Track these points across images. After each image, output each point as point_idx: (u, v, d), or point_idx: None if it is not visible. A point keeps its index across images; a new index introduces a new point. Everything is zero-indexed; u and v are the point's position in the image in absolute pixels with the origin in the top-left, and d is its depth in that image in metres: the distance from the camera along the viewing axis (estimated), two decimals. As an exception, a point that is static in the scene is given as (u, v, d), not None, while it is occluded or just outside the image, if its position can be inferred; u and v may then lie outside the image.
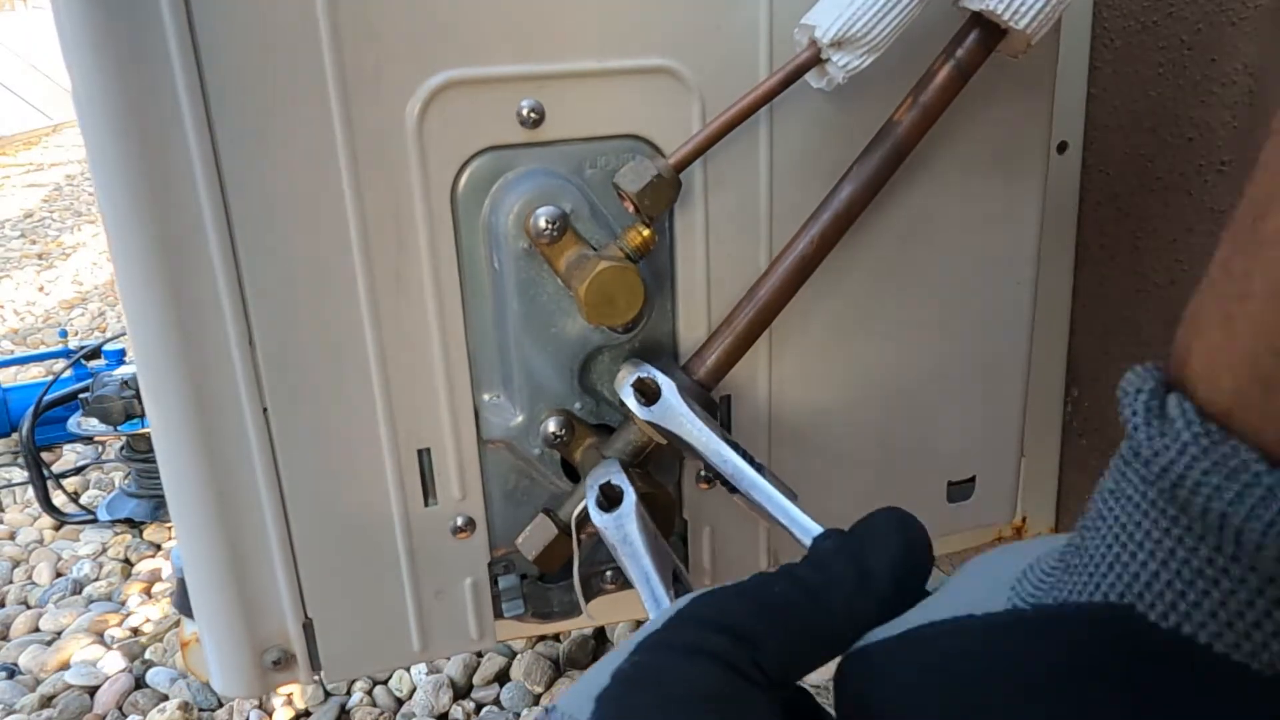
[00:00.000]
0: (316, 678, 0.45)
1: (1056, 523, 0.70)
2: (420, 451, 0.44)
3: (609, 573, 0.49)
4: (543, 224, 0.40)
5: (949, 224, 0.49)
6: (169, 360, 0.39)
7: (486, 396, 0.44)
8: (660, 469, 0.47)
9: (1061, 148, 0.67)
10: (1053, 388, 0.71)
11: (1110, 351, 0.67)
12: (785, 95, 0.41)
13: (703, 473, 0.48)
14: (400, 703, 0.91)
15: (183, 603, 0.44)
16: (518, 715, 0.87)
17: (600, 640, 0.94)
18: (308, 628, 0.45)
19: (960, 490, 0.54)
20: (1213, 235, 0.59)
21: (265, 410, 0.41)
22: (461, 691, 0.92)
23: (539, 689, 0.90)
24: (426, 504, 0.45)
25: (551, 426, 0.43)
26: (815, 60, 0.40)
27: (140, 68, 0.36)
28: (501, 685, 0.91)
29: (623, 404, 0.42)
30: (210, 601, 0.42)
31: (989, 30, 0.39)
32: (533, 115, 0.41)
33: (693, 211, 0.44)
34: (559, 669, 0.92)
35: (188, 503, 0.41)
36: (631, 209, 0.40)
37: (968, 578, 0.26)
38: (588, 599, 0.49)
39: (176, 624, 1.05)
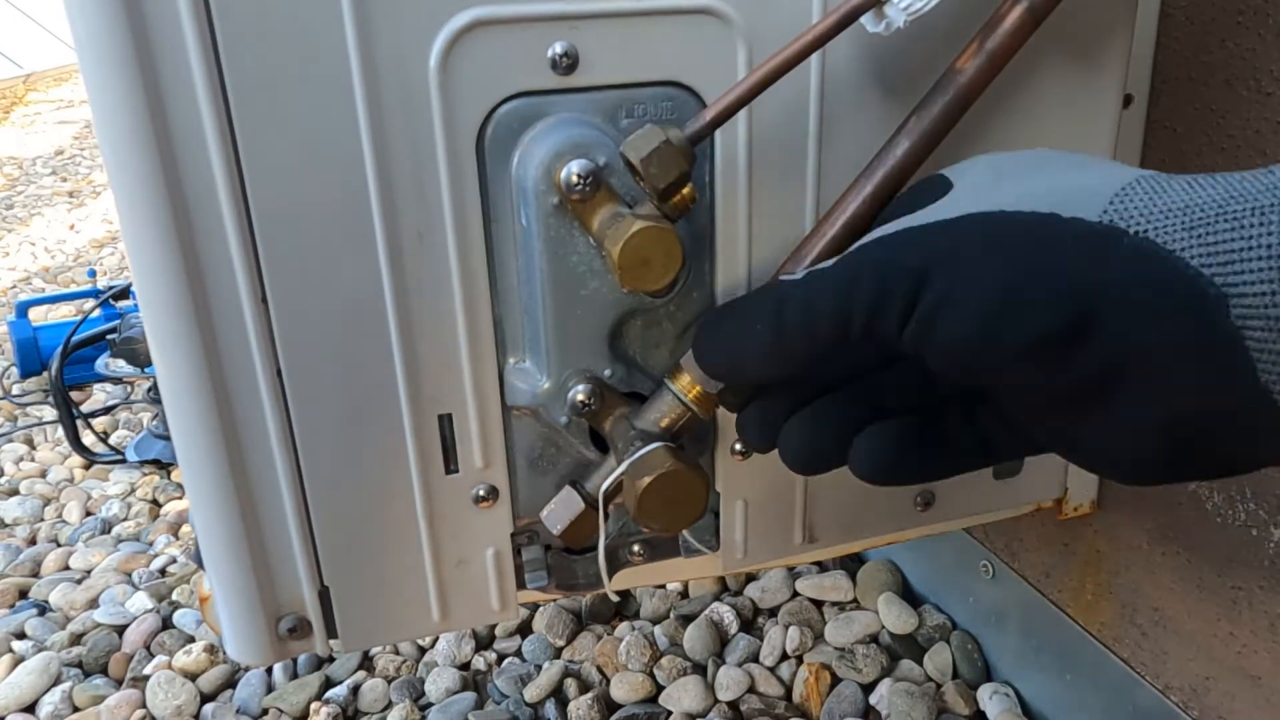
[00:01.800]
0: (332, 646, 0.44)
1: (1099, 496, 0.68)
2: (441, 417, 0.42)
3: (636, 545, 0.47)
4: (574, 178, 0.37)
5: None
6: (178, 320, 0.37)
7: (512, 361, 0.42)
8: (694, 440, 0.45)
9: (1126, 101, 0.63)
10: (1103, 355, 0.68)
11: (1167, 319, 0.64)
12: (838, 36, 0.38)
13: (736, 446, 0.46)
14: (423, 651, 0.91)
15: (200, 556, 0.43)
16: (539, 667, 0.87)
17: (625, 596, 0.93)
18: (324, 595, 0.43)
19: (1008, 466, 0.52)
20: (1288, 199, 0.55)
21: (279, 373, 0.39)
22: (484, 643, 0.92)
23: (560, 642, 0.90)
24: (448, 471, 0.43)
25: (580, 394, 0.41)
26: (873, 1, 0.37)
27: (146, 15, 0.33)
28: (524, 637, 0.91)
29: None
30: (224, 568, 0.41)
31: None
32: (565, 59, 0.38)
33: (735, 167, 0.41)
34: (581, 623, 0.92)
35: (199, 468, 0.39)
36: (638, 180, 0.36)
37: (1018, 174, 0.28)
38: (612, 572, 0.47)
39: (198, 570, 1.05)
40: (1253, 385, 0.21)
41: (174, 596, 1.01)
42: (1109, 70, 0.45)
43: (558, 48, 0.38)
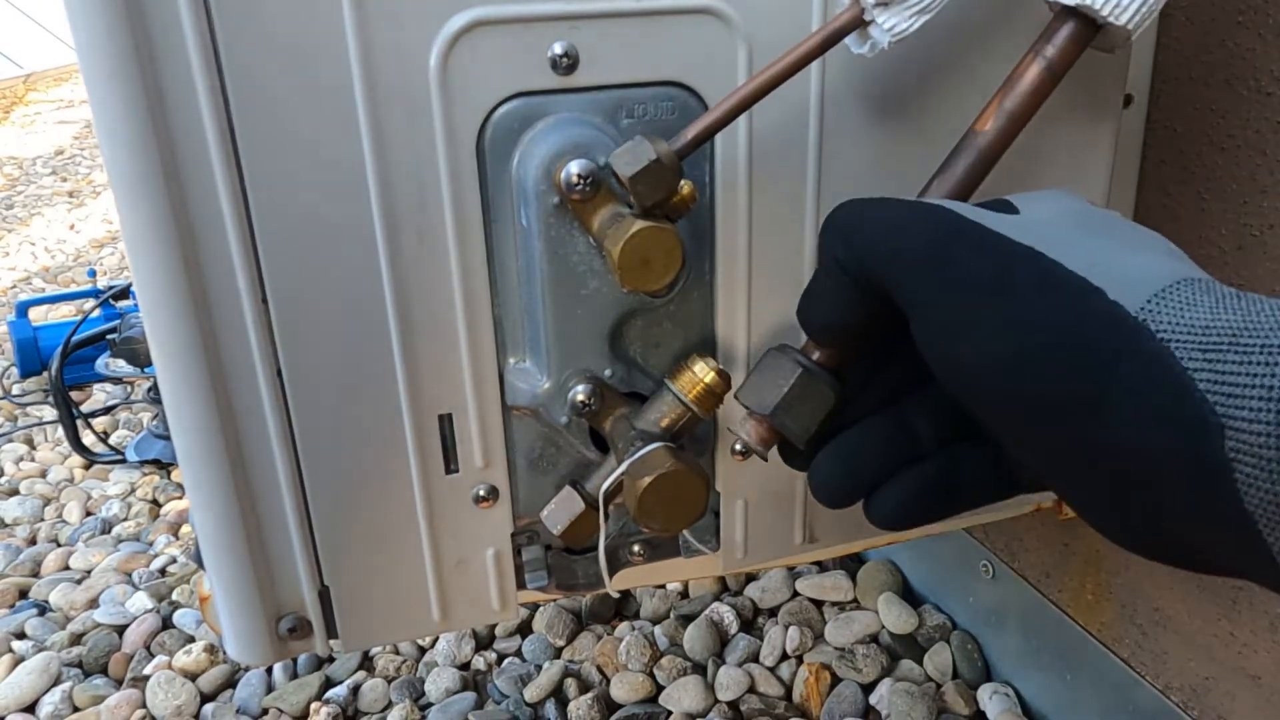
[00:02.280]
0: (332, 646, 0.44)
1: (1100, 495, 0.68)
2: (441, 417, 0.42)
3: (636, 545, 0.47)
4: (574, 178, 0.37)
5: (1011, 184, 0.46)
6: (178, 319, 0.37)
7: (512, 361, 0.42)
8: (694, 440, 0.45)
9: (1127, 101, 0.63)
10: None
11: (1167, 319, 0.63)
12: (838, 46, 0.37)
13: (737, 446, 0.46)
14: (423, 651, 0.91)
15: (200, 556, 0.43)
16: (539, 667, 0.87)
17: (625, 596, 0.93)
18: (324, 595, 0.43)
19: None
20: (1288, 198, 0.55)
21: (279, 373, 0.39)
22: (484, 642, 0.92)
23: (560, 642, 0.90)
24: (448, 471, 0.43)
25: (580, 394, 0.41)
26: (858, 21, 0.36)
27: (147, 15, 0.33)
28: (524, 637, 0.91)
29: None
30: (224, 568, 0.41)
31: (1084, 25, 0.35)
32: (565, 59, 0.38)
33: (735, 167, 0.41)
34: (581, 623, 0.92)
35: (200, 467, 0.39)
36: (623, 189, 0.36)
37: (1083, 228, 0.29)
38: (613, 572, 0.47)
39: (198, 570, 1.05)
40: (1239, 512, 0.21)
41: (174, 596, 1.01)
42: (1109, 71, 0.45)
43: (557, 48, 0.38)
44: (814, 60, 0.37)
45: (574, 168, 0.37)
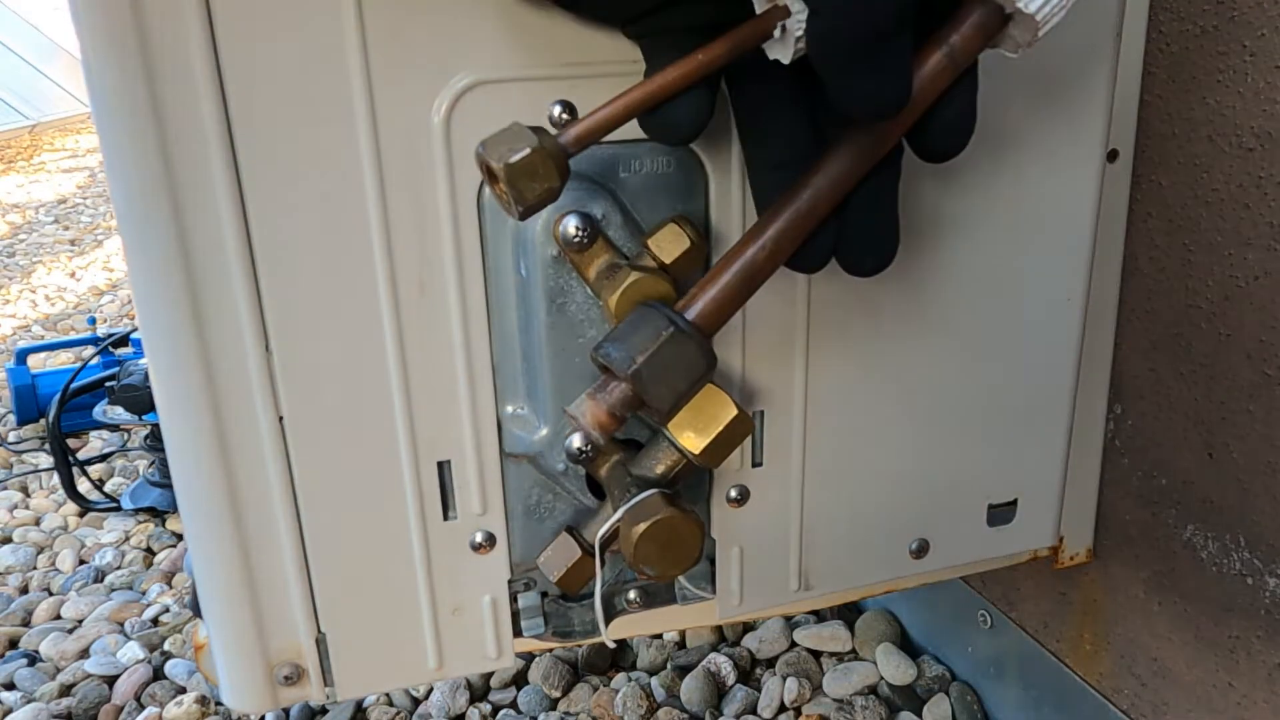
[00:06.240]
0: (328, 693, 0.44)
1: (1095, 544, 0.68)
2: (440, 464, 0.42)
3: (632, 593, 0.47)
4: (572, 230, 0.38)
5: (996, 235, 0.47)
6: (182, 365, 0.38)
7: (510, 408, 0.43)
8: (689, 487, 0.45)
9: (1112, 156, 0.64)
10: (1095, 404, 0.69)
11: (1157, 369, 0.64)
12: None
13: (733, 493, 0.46)
14: (417, 703, 0.90)
15: (196, 604, 0.43)
16: (535, 719, 0.86)
17: (621, 646, 0.93)
18: (320, 643, 0.43)
19: (1001, 513, 0.52)
20: (1271, 250, 0.56)
21: (281, 419, 0.40)
22: (479, 694, 0.91)
23: (556, 693, 0.89)
24: (445, 518, 0.43)
25: (577, 441, 0.41)
26: (780, 17, 0.31)
27: (159, 71, 0.35)
28: (519, 688, 0.90)
29: None
30: (221, 615, 0.41)
31: (990, 13, 0.34)
32: (564, 117, 0.39)
33: (729, 212, 0.42)
34: (577, 673, 0.91)
35: (199, 512, 0.40)
36: (495, 187, 0.30)
37: None
38: (609, 620, 0.47)
39: (192, 618, 1.04)
40: None
41: (166, 646, 1.00)
42: (1089, 123, 0.47)
43: (556, 109, 0.39)
44: (723, 66, 0.33)
45: (571, 222, 0.38)
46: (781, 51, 0.33)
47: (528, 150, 0.29)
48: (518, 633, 0.46)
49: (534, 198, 0.30)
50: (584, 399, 0.33)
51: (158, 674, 0.95)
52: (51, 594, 1.14)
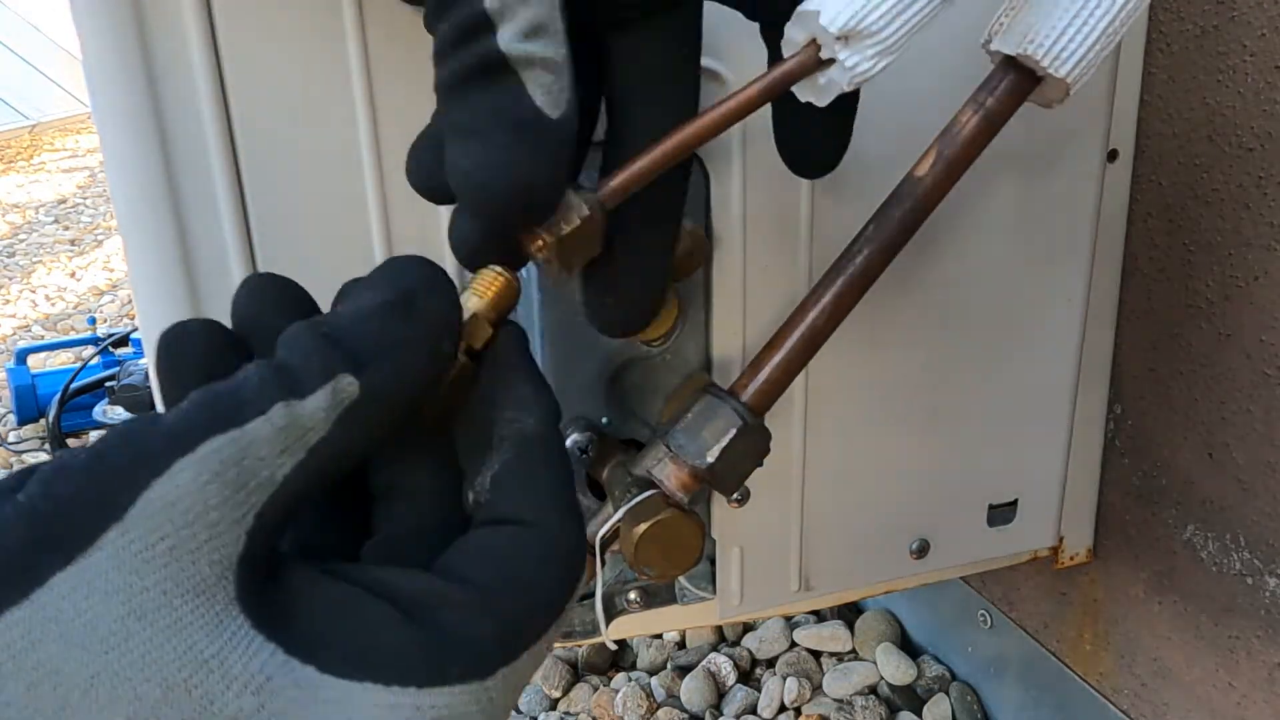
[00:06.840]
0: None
1: (1095, 544, 0.68)
2: (441, 464, 0.42)
3: (632, 593, 0.47)
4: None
5: (996, 235, 0.47)
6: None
7: (510, 408, 0.43)
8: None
9: (1112, 156, 0.64)
10: (1095, 405, 0.69)
11: (1157, 369, 0.64)
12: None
13: (735, 495, 0.46)
14: (417, 704, 0.90)
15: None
16: (535, 719, 0.86)
17: (621, 646, 0.93)
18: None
19: (1001, 514, 0.52)
20: (1271, 250, 0.56)
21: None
22: (479, 695, 0.91)
23: (556, 693, 0.89)
24: (446, 518, 0.43)
25: (577, 441, 0.41)
26: (814, 63, 0.32)
27: (159, 71, 0.35)
28: (519, 689, 0.90)
29: None
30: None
31: (1023, 76, 0.35)
32: (564, 117, 0.39)
33: (730, 218, 0.42)
34: (577, 673, 0.91)
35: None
36: (545, 259, 0.29)
37: None
38: (609, 620, 0.47)
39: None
40: None
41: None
42: (1089, 123, 0.47)
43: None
44: (755, 109, 0.33)
45: (573, 220, 0.38)
46: (814, 95, 0.33)
47: (578, 222, 0.29)
48: (518, 633, 0.46)
49: (580, 264, 0.30)
50: (666, 461, 0.33)
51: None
52: (51, 594, 1.14)
